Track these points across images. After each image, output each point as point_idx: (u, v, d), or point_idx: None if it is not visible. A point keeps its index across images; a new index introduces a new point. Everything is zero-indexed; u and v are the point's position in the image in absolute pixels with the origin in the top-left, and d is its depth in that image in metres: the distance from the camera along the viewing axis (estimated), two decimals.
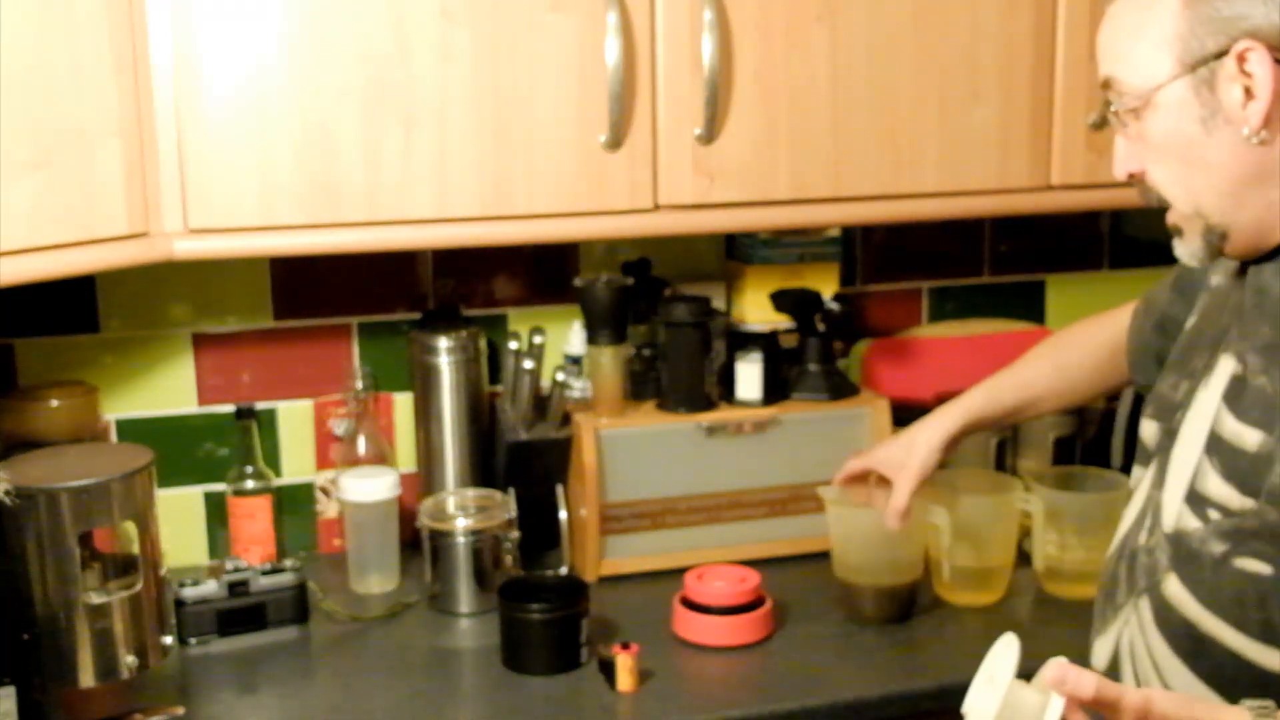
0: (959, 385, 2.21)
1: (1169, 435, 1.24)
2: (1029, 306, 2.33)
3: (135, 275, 1.87)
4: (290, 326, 2.02)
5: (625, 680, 1.61)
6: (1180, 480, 1.20)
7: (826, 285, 2.08)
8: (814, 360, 2.03)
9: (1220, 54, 1.08)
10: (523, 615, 1.67)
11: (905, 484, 1.67)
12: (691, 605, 1.73)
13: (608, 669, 1.62)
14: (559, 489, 1.97)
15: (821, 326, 2.04)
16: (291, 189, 1.59)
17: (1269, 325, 1.15)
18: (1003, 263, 2.30)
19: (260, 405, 2.01)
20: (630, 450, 1.93)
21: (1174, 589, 1.17)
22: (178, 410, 2.00)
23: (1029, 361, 1.72)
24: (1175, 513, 1.19)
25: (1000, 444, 2.10)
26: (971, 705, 1.03)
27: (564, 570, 1.94)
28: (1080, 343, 1.68)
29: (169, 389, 1.99)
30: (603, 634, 1.73)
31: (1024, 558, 1.89)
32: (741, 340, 2.03)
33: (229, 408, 2.00)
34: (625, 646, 1.62)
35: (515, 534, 1.89)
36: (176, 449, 1.98)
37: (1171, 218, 1.18)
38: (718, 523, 1.96)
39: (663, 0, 1.67)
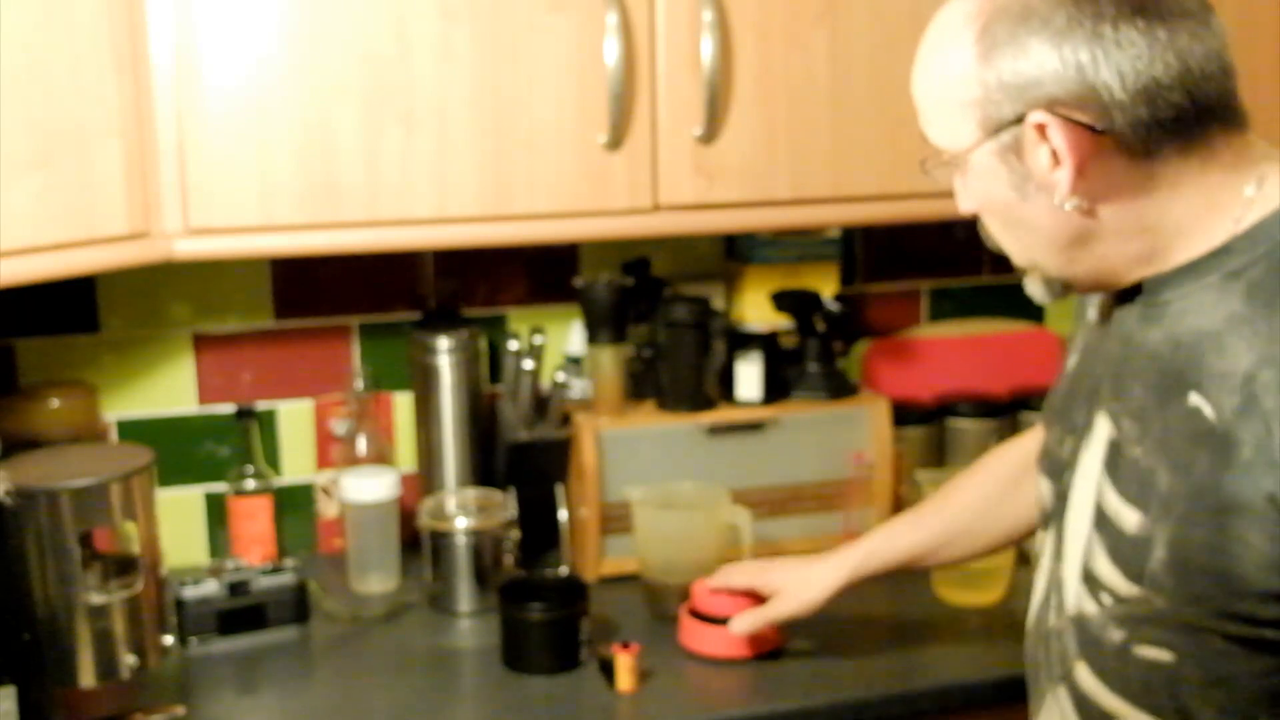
0: (959, 385, 2.23)
1: (1061, 499, 1.18)
2: (1029, 306, 2.32)
3: (135, 275, 1.87)
4: (290, 326, 2.02)
5: (625, 680, 1.61)
6: (1076, 556, 1.13)
7: (826, 285, 2.08)
8: (814, 360, 2.03)
9: (1019, 120, 1.01)
10: (523, 615, 1.67)
11: (779, 612, 1.60)
12: (700, 616, 1.70)
13: (608, 669, 1.62)
14: (559, 489, 1.97)
15: (821, 326, 2.04)
16: (291, 189, 1.59)
17: (1140, 385, 1.07)
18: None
19: (260, 405, 2.01)
20: (630, 450, 1.93)
21: (1085, 678, 1.12)
22: (178, 410, 2.00)
23: (935, 501, 1.58)
24: (1075, 593, 1.13)
25: None
26: None
27: (564, 570, 1.94)
28: (999, 474, 1.53)
29: (169, 389, 1.99)
30: (603, 634, 1.73)
31: (1024, 558, 1.89)
32: (741, 340, 2.03)
33: (229, 408, 2.00)
34: (625, 646, 1.62)
35: (515, 534, 1.89)
36: (176, 449, 1.98)
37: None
38: None
39: (663, 0, 1.67)
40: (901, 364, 2.24)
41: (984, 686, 1.64)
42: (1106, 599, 1.09)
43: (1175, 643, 1.04)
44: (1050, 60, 0.98)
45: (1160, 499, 1.02)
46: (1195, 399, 1.01)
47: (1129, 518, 1.06)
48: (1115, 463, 1.09)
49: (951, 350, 2.26)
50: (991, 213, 1.10)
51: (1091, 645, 1.11)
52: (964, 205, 1.12)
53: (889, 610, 1.86)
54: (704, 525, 1.82)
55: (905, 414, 2.12)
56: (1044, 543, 1.22)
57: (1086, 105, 0.98)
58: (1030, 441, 1.51)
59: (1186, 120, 0.99)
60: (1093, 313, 1.21)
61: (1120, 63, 0.97)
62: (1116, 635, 1.08)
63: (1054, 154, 1.01)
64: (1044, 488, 1.23)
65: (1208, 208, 1.03)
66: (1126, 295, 1.10)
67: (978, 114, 1.03)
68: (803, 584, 1.59)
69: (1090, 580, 1.11)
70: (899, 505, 2.06)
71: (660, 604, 1.80)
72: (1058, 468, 1.20)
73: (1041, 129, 1.00)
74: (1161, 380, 1.05)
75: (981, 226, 1.13)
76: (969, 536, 1.56)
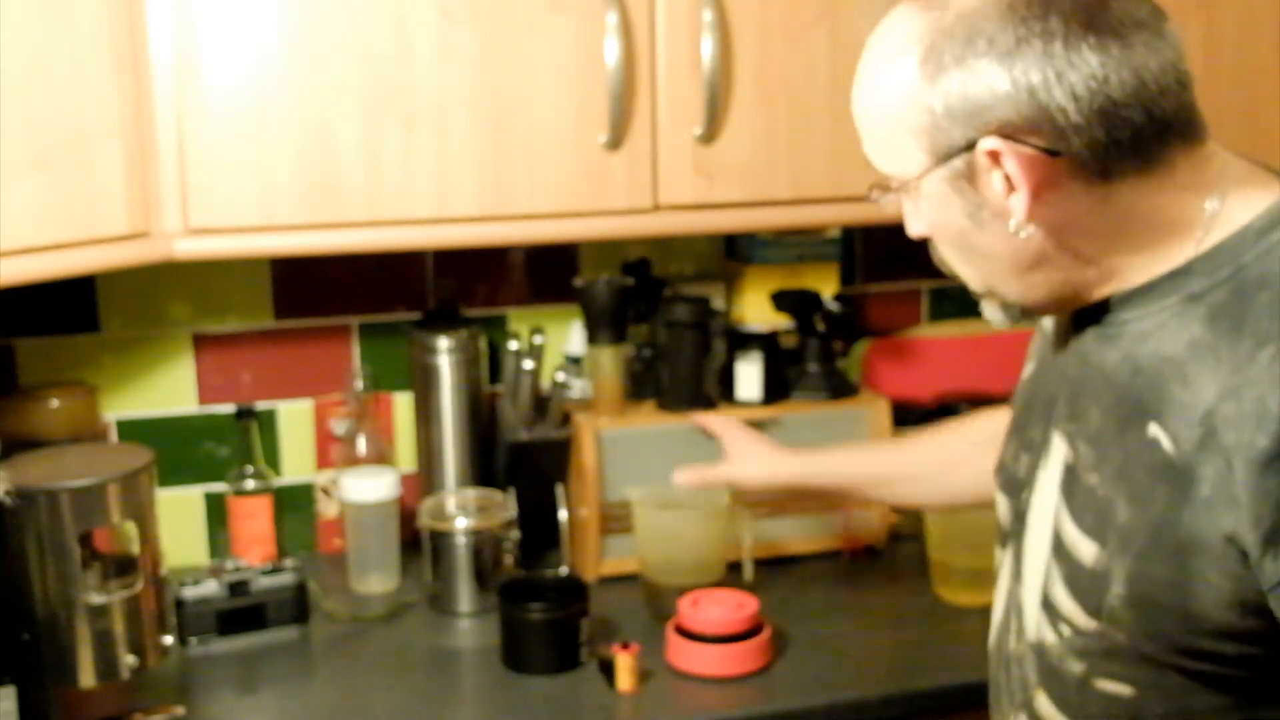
0: (959, 385, 2.23)
1: (1019, 519, 1.14)
2: None
3: (135, 275, 1.87)
4: (290, 326, 2.02)
5: (625, 680, 1.61)
6: (1035, 581, 1.10)
7: (826, 285, 2.08)
8: (814, 360, 2.03)
9: (970, 146, 0.96)
10: (523, 615, 1.67)
11: (719, 474, 1.70)
12: (686, 634, 1.67)
13: (608, 669, 1.62)
14: (559, 489, 1.97)
15: (821, 326, 2.04)
16: (292, 189, 1.59)
17: (1098, 408, 1.03)
18: None
19: (260, 405, 2.01)
20: (630, 450, 1.92)
21: (1046, 708, 1.10)
22: (178, 410, 2.00)
23: (902, 442, 1.66)
24: (1035, 621, 1.10)
25: None
26: None
27: (564, 570, 1.94)
28: (966, 436, 1.55)
29: (169, 389, 1.99)
30: (603, 634, 1.73)
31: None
32: (741, 340, 2.03)
33: (229, 408, 2.00)
34: (625, 646, 1.62)
35: (515, 534, 1.89)
36: (176, 449, 1.98)
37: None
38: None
39: (663, 0, 1.67)
40: (901, 364, 2.24)
41: (984, 687, 1.63)
42: (1065, 630, 1.06)
43: (1136, 678, 1.02)
44: (1000, 83, 0.93)
45: (1118, 532, 0.99)
46: (1155, 430, 0.97)
47: (1086, 549, 1.02)
48: (1072, 489, 1.05)
49: (951, 350, 2.26)
50: (945, 239, 1.05)
51: (1051, 675, 1.09)
52: (913, 229, 1.08)
53: (888, 610, 1.86)
54: (704, 525, 1.82)
55: (905, 414, 2.11)
56: (1002, 561, 1.19)
57: (1040, 129, 0.94)
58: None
59: (1145, 138, 0.95)
60: (1048, 322, 1.17)
61: (1074, 83, 0.92)
62: (1076, 667, 1.06)
63: (1008, 180, 0.96)
64: (1001, 504, 1.20)
65: (1168, 226, 0.99)
66: (1083, 311, 1.06)
67: (925, 140, 0.99)
68: (757, 461, 1.68)
69: (1049, 608, 1.08)
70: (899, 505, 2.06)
71: (660, 604, 1.80)
72: (1014, 485, 1.16)
73: (994, 155, 0.95)
74: (1120, 406, 1.01)
75: (933, 250, 1.09)
76: (917, 484, 1.61)
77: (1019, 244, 1.00)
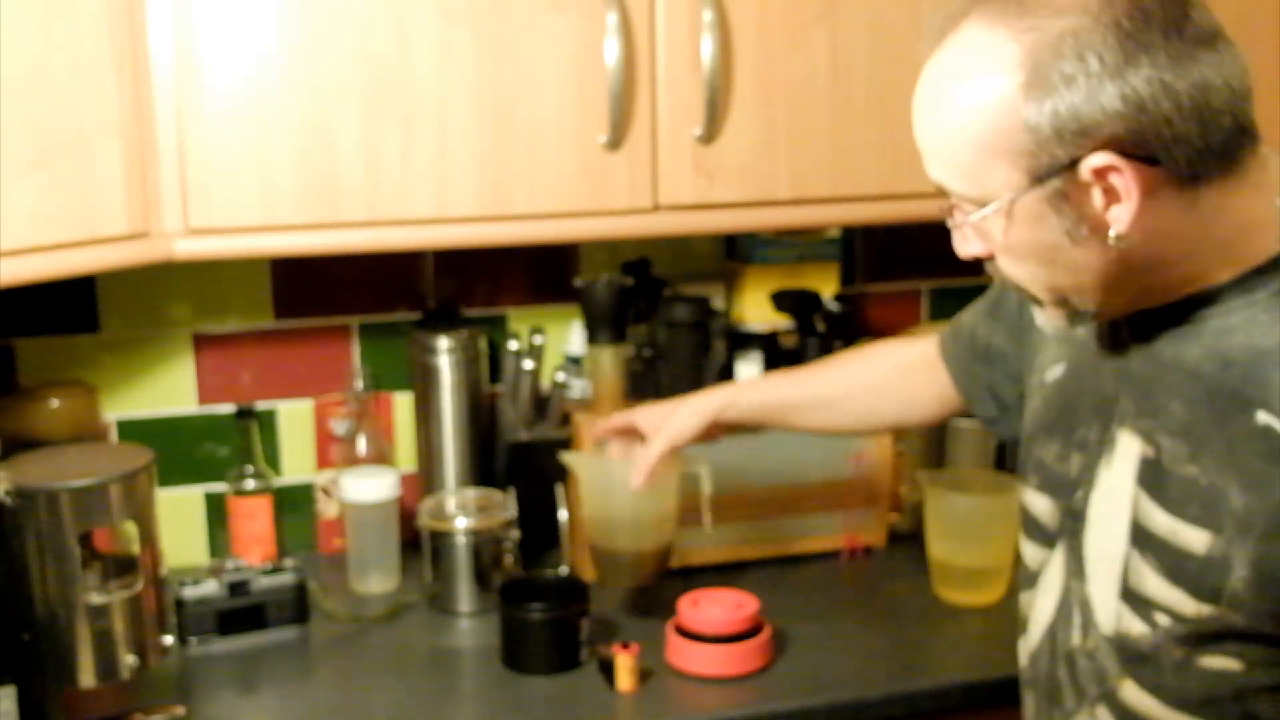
0: None
1: (1073, 517, 1.15)
2: None
3: (135, 275, 1.87)
4: (290, 326, 2.02)
5: (625, 680, 1.61)
6: (1107, 574, 1.11)
7: (826, 285, 2.08)
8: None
9: (1074, 162, 0.96)
10: (523, 615, 1.67)
11: (654, 446, 1.59)
12: (686, 634, 1.67)
13: (607, 669, 1.62)
14: (559, 489, 1.97)
15: (821, 326, 2.04)
16: (292, 189, 1.59)
17: (1181, 403, 1.05)
18: None
19: (260, 405, 2.01)
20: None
21: (1135, 695, 1.10)
22: (178, 410, 2.00)
23: (823, 367, 1.65)
24: (1113, 613, 1.11)
25: (1000, 444, 2.10)
26: None
27: (564, 570, 1.94)
28: (882, 363, 1.60)
29: (169, 389, 1.99)
30: (603, 634, 1.73)
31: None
32: (741, 340, 2.03)
33: (229, 408, 2.00)
34: (625, 646, 1.62)
35: (515, 534, 1.89)
36: (176, 449, 1.98)
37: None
38: (717, 523, 1.95)
39: (663, 0, 1.67)
40: None
41: (984, 686, 1.64)
42: (1163, 619, 1.06)
43: (1246, 653, 1.04)
44: (1111, 100, 0.94)
45: (1235, 518, 1.00)
46: (1264, 417, 0.99)
47: (1194, 538, 1.03)
48: (1158, 481, 1.06)
49: None
50: (1028, 256, 1.04)
51: (1140, 663, 1.09)
52: (968, 250, 1.07)
53: (888, 610, 1.86)
54: (659, 481, 1.67)
55: None
56: (1047, 560, 1.20)
57: (1146, 140, 0.95)
58: (921, 349, 1.55)
59: (1230, 142, 0.98)
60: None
61: (1180, 94, 0.94)
62: (1177, 653, 1.07)
63: (1107, 192, 0.97)
64: (1043, 505, 1.20)
65: (1247, 225, 1.02)
66: (1146, 311, 1.07)
67: (1024, 161, 0.98)
68: (678, 416, 1.60)
69: (1134, 599, 1.08)
70: (899, 505, 2.06)
71: (612, 571, 1.72)
72: (1063, 485, 1.17)
73: (1101, 171, 0.96)
74: (1212, 398, 1.03)
75: (991, 266, 1.08)
76: (831, 410, 1.60)
77: (1113, 256, 1.01)
